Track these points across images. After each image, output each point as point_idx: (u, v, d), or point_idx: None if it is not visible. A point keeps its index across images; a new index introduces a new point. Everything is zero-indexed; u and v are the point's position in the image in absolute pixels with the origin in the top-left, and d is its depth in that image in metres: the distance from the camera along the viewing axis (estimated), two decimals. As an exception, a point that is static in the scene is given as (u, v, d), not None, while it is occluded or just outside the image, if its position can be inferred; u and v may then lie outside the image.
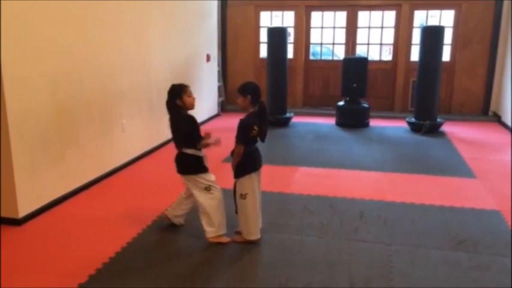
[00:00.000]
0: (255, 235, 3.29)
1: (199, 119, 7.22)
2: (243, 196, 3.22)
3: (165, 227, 3.58)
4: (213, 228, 3.28)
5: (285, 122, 7.44)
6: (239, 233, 3.35)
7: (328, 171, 5.09)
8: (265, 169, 5.26)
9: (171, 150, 5.90)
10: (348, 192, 4.40)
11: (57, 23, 3.92)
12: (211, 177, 3.33)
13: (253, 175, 3.23)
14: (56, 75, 3.93)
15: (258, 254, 3.21)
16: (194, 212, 3.50)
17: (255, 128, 3.17)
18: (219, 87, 8.41)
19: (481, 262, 3.09)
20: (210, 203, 3.26)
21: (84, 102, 4.35)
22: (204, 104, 7.57)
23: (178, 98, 3.21)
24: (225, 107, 8.66)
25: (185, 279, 2.87)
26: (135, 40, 5.27)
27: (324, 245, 3.33)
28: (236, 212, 3.34)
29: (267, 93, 7.54)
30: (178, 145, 3.30)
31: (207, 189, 3.26)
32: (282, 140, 6.61)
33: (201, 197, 3.26)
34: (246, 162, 3.19)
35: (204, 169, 3.30)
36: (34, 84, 3.68)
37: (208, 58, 7.68)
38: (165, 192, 4.38)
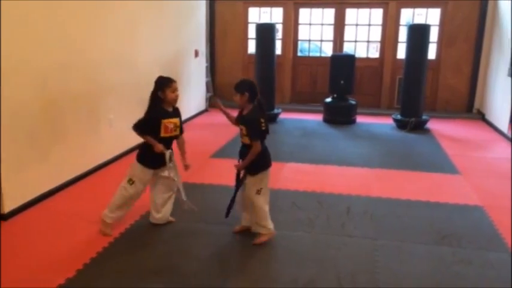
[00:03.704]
0: (272, 225, 3.30)
1: (187, 114, 7.22)
2: (259, 191, 3.21)
3: (149, 226, 3.57)
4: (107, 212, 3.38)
5: (273, 118, 7.46)
6: (260, 234, 3.29)
7: (315, 167, 5.13)
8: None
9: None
10: (335, 188, 4.44)
11: (46, 18, 3.88)
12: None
13: (267, 172, 3.24)
14: (44, 69, 3.89)
15: (246, 249, 3.24)
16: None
17: (262, 121, 3.15)
18: (207, 83, 8.40)
19: (464, 256, 3.16)
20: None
21: (72, 97, 4.31)
22: (192, 100, 7.55)
23: (160, 90, 3.23)
24: (213, 102, 8.65)
25: (168, 272, 2.89)
26: (123, 35, 5.23)
27: (312, 240, 3.37)
28: (227, 215, 3.30)
29: (255, 89, 7.56)
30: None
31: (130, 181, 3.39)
32: (270, 136, 6.49)
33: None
34: (261, 158, 3.18)
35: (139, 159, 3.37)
36: (21, 79, 3.64)
37: (196, 53, 7.66)
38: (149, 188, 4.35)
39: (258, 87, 3.26)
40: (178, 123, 3.36)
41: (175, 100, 3.30)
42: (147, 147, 3.31)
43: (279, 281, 2.87)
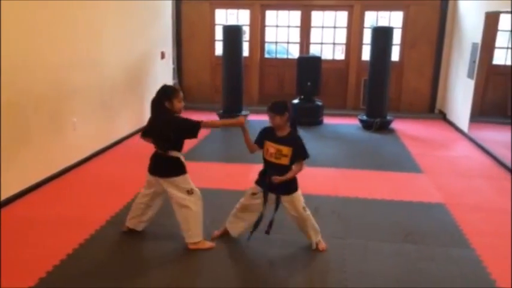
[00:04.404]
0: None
1: (154, 117, 7.12)
2: (305, 209, 3.19)
3: (117, 229, 3.51)
4: (193, 233, 3.19)
5: (241, 120, 7.46)
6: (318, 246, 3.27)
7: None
8: (222, 167, 5.32)
9: (124, 149, 5.84)
10: (303, 188, 4.42)
11: (6, 18, 3.74)
12: (190, 180, 3.24)
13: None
14: (4, 71, 3.75)
15: (215, 252, 3.22)
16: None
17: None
18: (174, 85, 8.31)
19: (428, 253, 3.25)
20: (192, 206, 3.16)
21: (34, 99, 4.19)
22: (159, 102, 7.45)
23: (167, 100, 3.10)
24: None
25: (135, 279, 2.85)
26: (87, 36, 5.11)
27: (281, 241, 3.39)
28: (267, 232, 3.19)
29: (223, 91, 7.55)
30: (163, 148, 3.14)
31: (189, 192, 3.17)
32: (238, 138, 6.59)
33: (184, 201, 3.15)
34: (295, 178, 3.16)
35: (185, 171, 3.20)
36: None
37: (162, 55, 7.57)
38: (117, 192, 4.28)
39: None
40: None
41: (181, 110, 3.18)
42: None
43: (250, 282, 2.87)
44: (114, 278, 2.87)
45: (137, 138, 6.35)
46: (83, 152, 5.14)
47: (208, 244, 3.25)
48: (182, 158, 3.19)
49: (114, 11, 5.74)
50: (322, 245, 3.27)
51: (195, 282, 2.88)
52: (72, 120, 4.87)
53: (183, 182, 3.16)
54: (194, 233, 3.19)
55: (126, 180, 4.59)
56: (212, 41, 8.75)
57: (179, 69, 8.70)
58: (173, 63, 8.29)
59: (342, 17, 8.46)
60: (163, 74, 7.73)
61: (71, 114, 4.84)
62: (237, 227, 3.32)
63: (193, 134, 3.11)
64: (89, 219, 3.65)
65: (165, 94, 3.13)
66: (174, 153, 3.14)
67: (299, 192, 3.18)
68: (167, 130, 3.07)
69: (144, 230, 3.45)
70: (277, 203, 3.15)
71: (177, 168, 3.15)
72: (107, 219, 3.66)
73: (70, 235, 3.38)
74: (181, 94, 3.17)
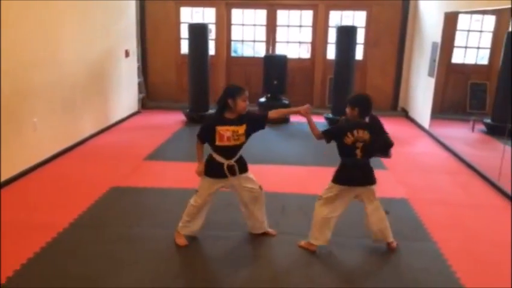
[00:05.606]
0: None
1: (118, 116, 7.00)
2: (319, 197, 3.20)
3: (81, 232, 3.43)
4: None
5: (208, 119, 7.43)
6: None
7: (250, 167, 5.11)
8: (188, 166, 5.23)
9: (88, 150, 5.71)
10: (270, 186, 4.47)
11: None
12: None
13: (344, 189, 3.16)
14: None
15: (183, 251, 3.20)
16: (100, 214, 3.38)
17: (350, 135, 3.06)
18: (139, 84, 8.19)
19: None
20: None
21: (-11, 99, 4.04)
22: (124, 101, 7.32)
23: (231, 98, 3.04)
24: (146, 104, 8.45)
25: (98, 281, 2.79)
26: (47, 34, 4.96)
27: (248, 239, 3.40)
28: None
29: (189, 89, 7.48)
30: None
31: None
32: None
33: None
34: (340, 171, 3.17)
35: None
36: None
37: (127, 53, 7.44)
38: (80, 194, 4.18)
39: (371, 103, 3.18)
40: (241, 131, 3.09)
41: (244, 109, 3.12)
42: (209, 155, 3.17)
43: (216, 281, 2.87)
44: (78, 279, 2.80)
45: (101, 138, 6.27)
46: (44, 153, 4.99)
47: (183, 241, 3.26)
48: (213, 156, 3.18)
49: (73, 8, 5.57)
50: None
51: (155, 283, 2.85)
52: (33, 120, 4.72)
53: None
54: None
55: (89, 182, 4.49)
56: (178, 39, 8.66)
57: (144, 68, 8.57)
58: (138, 61, 8.15)
59: (307, 16, 8.54)
60: (129, 72, 7.60)
61: (30, 115, 4.69)
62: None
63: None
64: (51, 222, 3.54)
65: (230, 92, 3.09)
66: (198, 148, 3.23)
67: (330, 184, 3.24)
68: None
69: (112, 232, 3.38)
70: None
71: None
72: (71, 222, 3.57)
73: (31, 239, 3.27)
74: (246, 93, 3.12)
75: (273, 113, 3.27)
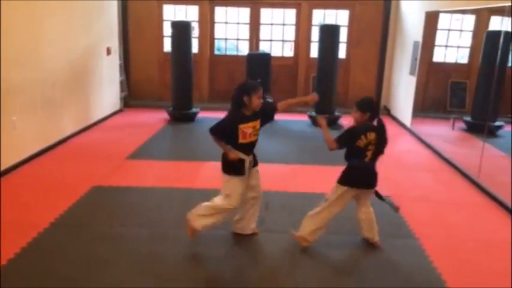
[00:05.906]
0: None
1: (100, 115, 6.91)
2: (325, 199, 3.17)
3: (62, 232, 3.38)
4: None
5: (191, 117, 7.39)
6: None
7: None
8: (171, 165, 5.25)
9: (69, 149, 5.62)
10: (254, 184, 4.50)
11: None
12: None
13: (348, 190, 3.15)
14: None
15: (164, 249, 3.18)
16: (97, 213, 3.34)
17: (363, 138, 3.08)
18: (121, 82, 8.09)
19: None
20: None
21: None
22: (105, 99, 7.23)
23: (246, 94, 3.03)
24: (128, 102, 8.36)
25: (80, 282, 2.76)
26: (27, 31, 4.86)
27: (233, 237, 3.39)
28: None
29: (172, 88, 7.43)
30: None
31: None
32: (188, 136, 6.57)
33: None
34: (349, 173, 3.14)
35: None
36: None
37: (108, 51, 7.34)
38: (61, 193, 4.12)
39: (378, 105, 3.17)
40: (257, 126, 3.15)
41: (259, 106, 3.11)
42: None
43: (201, 280, 2.85)
44: (61, 280, 2.76)
45: (82, 136, 6.18)
46: (24, 152, 4.90)
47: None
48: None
49: (53, 5, 5.48)
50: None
51: (141, 282, 2.82)
52: (12, 119, 4.63)
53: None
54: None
55: (70, 181, 4.43)
56: (160, 37, 8.58)
57: (126, 66, 8.47)
58: (120, 59, 8.06)
59: (291, 14, 8.56)
60: (110, 70, 7.51)
61: (9, 113, 4.59)
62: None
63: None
64: (31, 222, 3.49)
65: (245, 89, 3.08)
66: (220, 144, 3.17)
67: (337, 185, 3.25)
68: None
69: (94, 232, 3.34)
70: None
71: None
72: (51, 222, 3.51)
73: (12, 239, 3.21)
74: (261, 91, 3.11)
75: (282, 105, 3.29)
